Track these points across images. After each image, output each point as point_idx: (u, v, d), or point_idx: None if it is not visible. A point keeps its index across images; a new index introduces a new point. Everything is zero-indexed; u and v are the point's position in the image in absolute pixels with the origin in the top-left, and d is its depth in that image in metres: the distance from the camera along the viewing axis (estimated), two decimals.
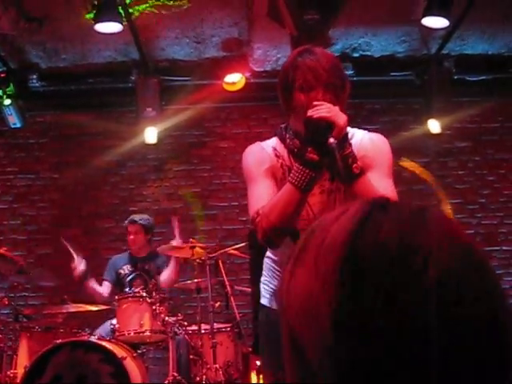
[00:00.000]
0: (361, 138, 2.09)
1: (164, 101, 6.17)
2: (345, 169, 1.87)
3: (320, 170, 1.92)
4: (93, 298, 4.76)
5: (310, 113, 1.88)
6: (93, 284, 4.84)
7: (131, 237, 4.97)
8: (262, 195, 2.02)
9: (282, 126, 2.16)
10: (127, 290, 4.85)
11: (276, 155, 2.10)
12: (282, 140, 2.12)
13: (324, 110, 1.87)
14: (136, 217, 5.06)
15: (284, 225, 1.93)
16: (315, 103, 1.90)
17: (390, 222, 0.57)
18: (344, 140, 1.92)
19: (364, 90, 6.39)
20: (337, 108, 1.90)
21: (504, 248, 6.50)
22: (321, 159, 1.88)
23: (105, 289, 4.92)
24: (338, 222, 0.59)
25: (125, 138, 6.39)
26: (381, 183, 1.96)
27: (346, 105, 2.01)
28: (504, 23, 5.70)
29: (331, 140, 1.83)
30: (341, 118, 1.87)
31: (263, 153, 2.12)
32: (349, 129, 2.06)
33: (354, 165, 1.92)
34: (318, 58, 1.95)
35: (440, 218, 0.61)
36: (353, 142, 2.03)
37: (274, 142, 2.15)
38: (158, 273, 4.93)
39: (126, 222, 5.07)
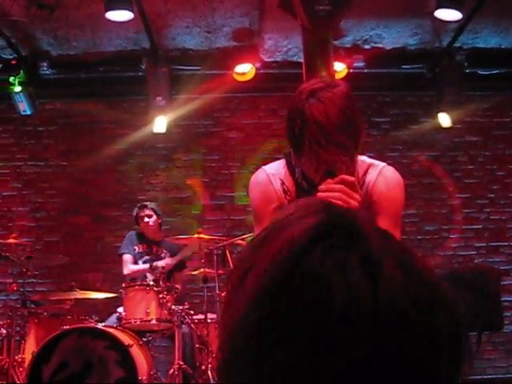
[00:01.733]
0: (374, 180, 1.96)
1: (174, 90, 6.17)
2: None
3: None
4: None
5: (319, 194, 1.77)
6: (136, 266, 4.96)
7: (146, 220, 5.10)
8: None
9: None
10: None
11: (284, 190, 1.98)
12: (291, 171, 1.99)
13: (335, 196, 1.74)
14: (145, 202, 5.27)
15: None
16: (326, 187, 1.77)
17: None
18: None
19: (375, 82, 6.37)
20: (349, 190, 1.76)
21: None
22: None
23: (132, 264, 5.02)
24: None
25: (134, 127, 6.40)
26: None
27: (358, 152, 1.87)
28: None
29: None
30: (351, 205, 1.76)
31: (270, 189, 1.98)
32: (363, 159, 1.98)
33: None
34: (326, 110, 1.74)
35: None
36: (365, 180, 1.95)
37: (282, 171, 2.00)
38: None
39: (137, 208, 5.19)
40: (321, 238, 0.55)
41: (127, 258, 5.03)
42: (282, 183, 1.99)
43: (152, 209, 5.14)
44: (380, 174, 1.97)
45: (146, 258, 5.04)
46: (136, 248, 5.09)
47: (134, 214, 5.20)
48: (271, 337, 0.53)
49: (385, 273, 0.54)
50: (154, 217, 5.12)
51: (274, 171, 2.01)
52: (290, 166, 1.99)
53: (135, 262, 5.03)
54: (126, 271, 4.97)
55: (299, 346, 0.52)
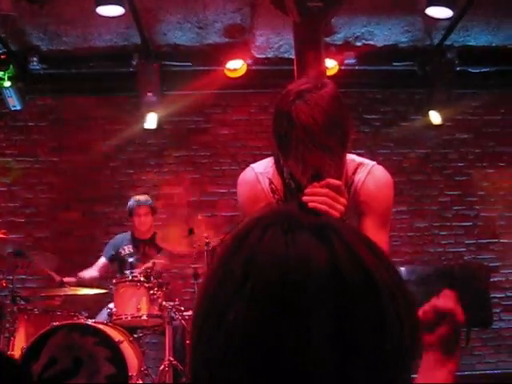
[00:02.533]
0: (363, 180, 1.94)
1: (165, 86, 6.15)
2: None
3: None
4: (90, 283, 4.78)
5: (305, 198, 1.72)
6: (82, 274, 4.88)
7: (141, 218, 4.98)
8: None
9: None
10: (127, 272, 4.85)
11: (272, 190, 1.97)
12: (280, 170, 1.97)
13: (320, 200, 1.70)
14: (141, 198, 5.06)
15: None
16: (311, 190, 1.73)
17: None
18: None
19: (366, 79, 6.38)
20: (334, 194, 1.72)
21: (501, 241, 6.51)
22: None
23: (96, 267, 4.96)
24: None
25: (125, 123, 6.37)
26: (374, 236, 1.82)
27: (346, 154, 1.86)
28: (509, 15, 5.67)
29: None
30: (337, 209, 1.71)
31: (258, 189, 1.97)
32: (352, 158, 1.96)
33: None
34: (312, 113, 1.70)
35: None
36: (354, 179, 1.93)
37: (270, 170, 1.98)
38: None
39: (133, 203, 5.02)
40: (266, 217, 0.64)
41: (99, 261, 5.00)
42: (270, 182, 1.98)
43: (149, 206, 5.01)
44: (369, 173, 1.95)
45: (134, 257, 4.98)
46: (122, 251, 5.00)
47: (130, 206, 5.04)
48: (227, 294, 0.59)
49: (338, 234, 0.60)
50: (150, 215, 5.01)
51: (262, 170, 2.00)
52: (278, 165, 1.97)
53: (122, 264, 4.94)
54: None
55: (250, 301, 0.58)
